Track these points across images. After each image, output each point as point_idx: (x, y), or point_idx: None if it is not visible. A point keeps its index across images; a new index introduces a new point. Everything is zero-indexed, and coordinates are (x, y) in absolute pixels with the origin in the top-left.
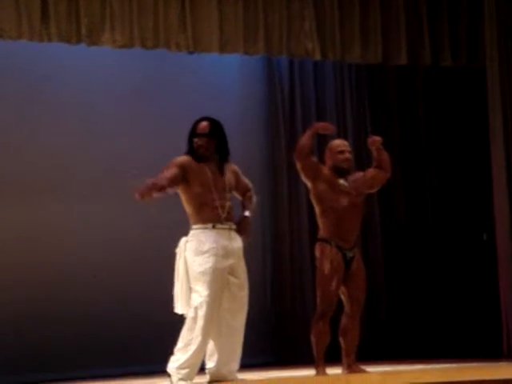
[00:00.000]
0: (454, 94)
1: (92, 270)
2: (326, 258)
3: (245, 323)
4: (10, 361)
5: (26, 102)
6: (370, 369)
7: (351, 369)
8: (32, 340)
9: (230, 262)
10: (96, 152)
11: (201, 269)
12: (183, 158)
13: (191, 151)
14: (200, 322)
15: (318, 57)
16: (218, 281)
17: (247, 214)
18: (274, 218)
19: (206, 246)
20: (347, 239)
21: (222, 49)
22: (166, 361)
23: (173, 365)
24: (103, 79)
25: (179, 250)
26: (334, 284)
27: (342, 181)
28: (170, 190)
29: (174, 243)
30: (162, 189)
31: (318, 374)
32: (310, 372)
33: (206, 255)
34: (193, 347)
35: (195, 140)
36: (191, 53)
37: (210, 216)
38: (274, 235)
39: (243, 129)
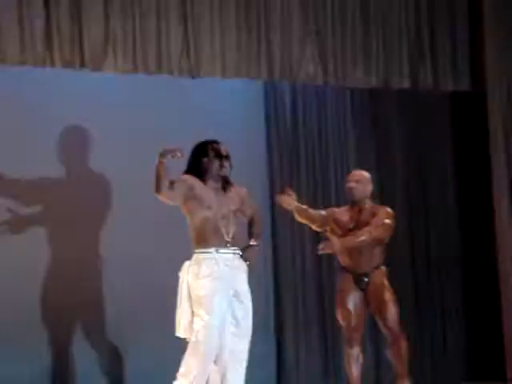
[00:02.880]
0: (456, 118)
1: (92, 301)
2: (339, 286)
3: (249, 348)
4: None
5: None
6: None
7: None
8: None
9: (234, 286)
10: (92, 178)
11: (203, 292)
12: (190, 176)
13: (197, 171)
14: (201, 347)
15: (319, 81)
16: (220, 305)
17: (253, 242)
18: (276, 242)
19: (209, 270)
20: (360, 267)
21: (225, 73)
22: None
23: None
24: (101, 103)
25: (182, 274)
26: (349, 310)
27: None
28: (168, 194)
29: (177, 268)
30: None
31: None
32: None
33: (209, 279)
34: (194, 372)
35: (217, 161)
36: (193, 78)
37: (213, 240)
38: (275, 262)
39: (244, 154)
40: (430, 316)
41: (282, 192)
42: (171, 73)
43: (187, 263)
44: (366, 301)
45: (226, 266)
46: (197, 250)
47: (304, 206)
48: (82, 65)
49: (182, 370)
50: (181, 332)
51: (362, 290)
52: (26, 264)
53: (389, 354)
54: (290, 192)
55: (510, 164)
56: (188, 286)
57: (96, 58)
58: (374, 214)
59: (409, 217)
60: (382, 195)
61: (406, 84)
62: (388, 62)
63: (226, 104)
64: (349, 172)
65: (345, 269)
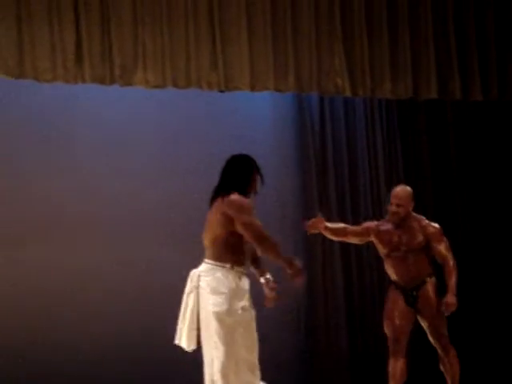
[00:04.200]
0: (485, 127)
1: (94, 315)
2: (387, 298)
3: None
4: None
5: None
6: None
7: None
8: None
9: (243, 303)
10: (118, 193)
11: (216, 309)
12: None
13: (245, 187)
14: (218, 365)
15: (348, 93)
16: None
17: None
18: (307, 255)
19: (225, 287)
20: (408, 281)
21: (253, 86)
22: None
23: None
24: (127, 118)
25: (191, 284)
26: (396, 323)
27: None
28: None
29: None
30: None
31: None
32: None
33: (224, 296)
34: None
35: (259, 179)
36: (222, 91)
37: (236, 257)
38: (307, 274)
39: (274, 169)
40: None
41: (310, 219)
42: (200, 87)
43: (196, 273)
44: (415, 314)
45: (238, 282)
46: (210, 261)
47: (336, 225)
48: (113, 81)
49: None
50: (184, 343)
51: (411, 303)
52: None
53: (442, 367)
54: (319, 217)
55: None
56: (197, 298)
57: (126, 74)
58: (427, 235)
59: (438, 220)
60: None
61: (434, 94)
62: (416, 72)
63: (256, 111)
64: (378, 178)
65: (394, 283)
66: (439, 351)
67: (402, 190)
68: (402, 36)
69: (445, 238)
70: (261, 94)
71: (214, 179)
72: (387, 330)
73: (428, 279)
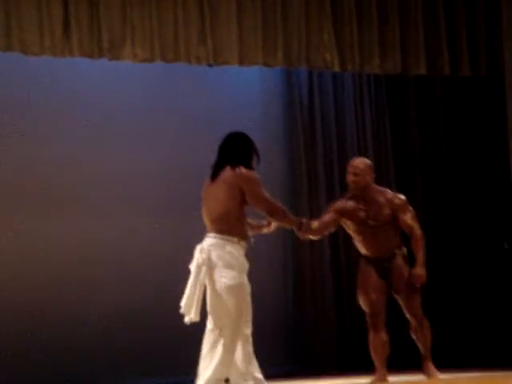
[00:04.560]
0: (473, 103)
1: (104, 283)
2: (359, 272)
3: None
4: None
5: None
6: (394, 378)
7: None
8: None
9: (246, 277)
10: (110, 164)
11: (230, 283)
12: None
13: (247, 164)
14: (227, 338)
15: (336, 68)
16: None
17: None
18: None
19: (236, 261)
20: (379, 254)
21: (242, 61)
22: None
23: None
24: (120, 91)
25: (201, 256)
26: (370, 296)
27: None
28: None
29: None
30: None
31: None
32: (332, 381)
33: (236, 270)
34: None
35: (256, 158)
36: (211, 65)
37: (243, 230)
38: (294, 245)
39: (262, 142)
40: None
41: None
42: (189, 61)
43: (206, 247)
44: (389, 286)
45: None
46: (220, 236)
47: (316, 224)
48: (101, 54)
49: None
50: (192, 314)
51: (384, 276)
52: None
53: (414, 335)
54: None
55: None
56: (210, 271)
57: (114, 48)
58: (393, 207)
59: (425, 198)
60: (399, 177)
61: (423, 70)
62: (405, 48)
63: (244, 88)
64: (366, 153)
65: (364, 257)
66: (413, 322)
67: (359, 159)
68: (392, 12)
69: (411, 209)
70: (249, 69)
71: (203, 152)
72: (364, 306)
73: (397, 251)
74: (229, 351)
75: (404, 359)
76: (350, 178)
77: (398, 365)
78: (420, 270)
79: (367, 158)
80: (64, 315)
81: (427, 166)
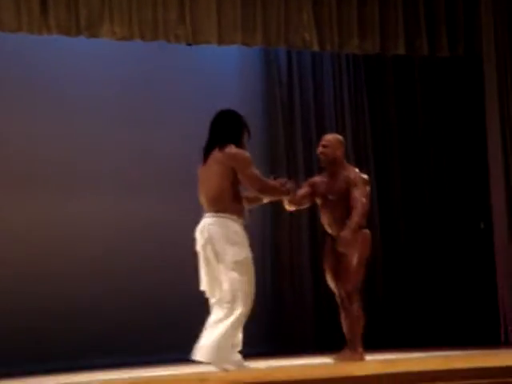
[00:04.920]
0: (451, 83)
1: (101, 261)
2: (324, 250)
3: None
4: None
5: (24, 93)
6: (369, 357)
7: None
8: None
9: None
10: (95, 144)
11: (236, 258)
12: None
13: (241, 142)
14: (237, 311)
15: (315, 47)
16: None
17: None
18: (273, 206)
19: (238, 236)
20: (334, 229)
21: (221, 40)
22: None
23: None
24: (101, 71)
25: (203, 236)
26: (331, 274)
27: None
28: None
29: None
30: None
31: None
32: (306, 361)
33: (240, 245)
34: None
35: (247, 137)
36: (189, 45)
37: (240, 207)
38: (273, 225)
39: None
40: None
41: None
42: (167, 40)
43: (208, 224)
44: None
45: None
46: (221, 214)
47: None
48: (78, 32)
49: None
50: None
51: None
52: None
53: (342, 318)
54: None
55: (504, 124)
56: (215, 248)
57: (92, 26)
58: (349, 182)
59: (403, 177)
60: (377, 156)
61: (402, 50)
62: (384, 28)
63: (223, 67)
64: (344, 133)
65: (329, 234)
66: (345, 302)
67: (331, 134)
68: None
69: (363, 187)
70: (229, 48)
71: (181, 131)
72: (331, 284)
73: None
74: (239, 322)
75: (381, 338)
76: (319, 149)
77: (375, 344)
78: (346, 233)
79: (345, 136)
80: (46, 293)
81: (405, 145)
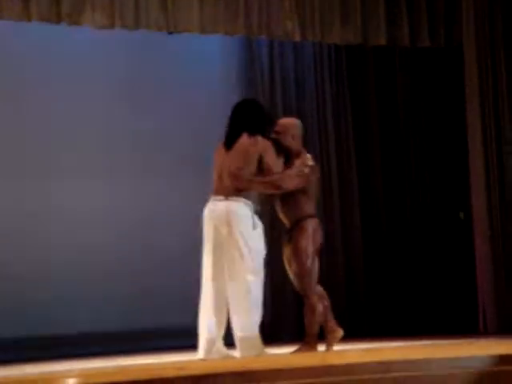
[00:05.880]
0: (432, 73)
1: (95, 248)
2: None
3: None
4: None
5: (13, 81)
6: (349, 346)
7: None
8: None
9: None
10: (82, 131)
11: (256, 246)
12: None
13: (266, 131)
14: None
15: (297, 37)
16: None
17: None
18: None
19: (258, 223)
20: (285, 218)
21: (202, 29)
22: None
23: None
24: (83, 60)
25: (220, 220)
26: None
27: None
28: None
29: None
30: None
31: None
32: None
33: (260, 232)
34: None
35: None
36: (171, 33)
37: (256, 195)
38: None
39: (223, 111)
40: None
41: None
42: (149, 28)
43: (235, 208)
44: None
45: None
46: (246, 201)
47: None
48: (59, 19)
49: None
50: None
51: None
52: None
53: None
54: None
55: (484, 115)
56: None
57: (74, 13)
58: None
59: (383, 167)
60: (358, 148)
61: (383, 41)
62: (365, 18)
63: (205, 57)
64: (326, 124)
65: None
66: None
67: (287, 118)
68: None
69: (297, 165)
70: (210, 40)
71: (162, 121)
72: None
73: (302, 221)
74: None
75: (362, 327)
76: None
77: (357, 333)
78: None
79: (326, 127)
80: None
81: (386, 137)
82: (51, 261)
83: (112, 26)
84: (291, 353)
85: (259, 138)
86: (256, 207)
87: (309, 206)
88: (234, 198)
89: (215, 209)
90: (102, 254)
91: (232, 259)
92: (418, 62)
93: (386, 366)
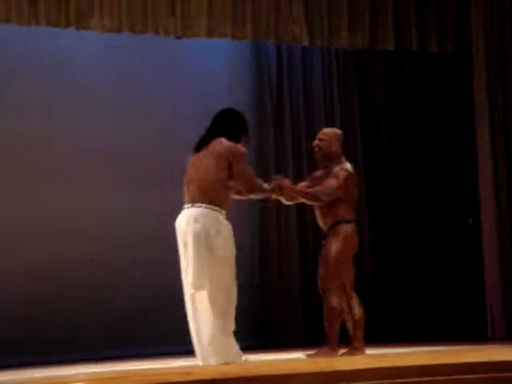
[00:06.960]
0: (441, 78)
1: (90, 257)
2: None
3: None
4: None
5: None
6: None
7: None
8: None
9: None
10: (84, 137)
11: (224, 253)
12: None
13: (239, 141)
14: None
15: (305, 42)
16: None
17: None
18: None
19: (227, 230)
20: (320, 225)
21: (210, 33)
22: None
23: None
24: (91, 64)
25: (195, 228)
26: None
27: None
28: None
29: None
30: None
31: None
32: (294, 355)
33: (229, 239)
34: None
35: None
36: (179, 37)
37: (227, 201)
38: (262, 220)
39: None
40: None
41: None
42: (157, 33)
43: (200, 219)
44: None
45: None
46: (215, 208)
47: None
48: (68, 24)
49: None
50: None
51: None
52: None
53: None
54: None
55: (493, 119)
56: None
57: (82, 18)
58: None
59: (392, 172)
60: (366, 153)
61: (391, 46)
62: (373, 23)
63: (213, 61)
64: (334, 127)
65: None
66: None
67: (329, 128)
68: None
69: (337, 180)
70: (219, 44)
71: (170, 126)
72: None
73: (335, 227)
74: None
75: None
76: (315, 142)
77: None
78: (287, 183)
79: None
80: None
81: (394, 141)
82: (52, 263)
83: (120, 30)
84: (310, 355)
85: (231, 143)
86: (225, 212)
87: (346, 211)
88: (205, 204)
89: (185, 217)
90: (104, 261)
91: (196, 268)
92: (426, 67)
93: (393, 372)
